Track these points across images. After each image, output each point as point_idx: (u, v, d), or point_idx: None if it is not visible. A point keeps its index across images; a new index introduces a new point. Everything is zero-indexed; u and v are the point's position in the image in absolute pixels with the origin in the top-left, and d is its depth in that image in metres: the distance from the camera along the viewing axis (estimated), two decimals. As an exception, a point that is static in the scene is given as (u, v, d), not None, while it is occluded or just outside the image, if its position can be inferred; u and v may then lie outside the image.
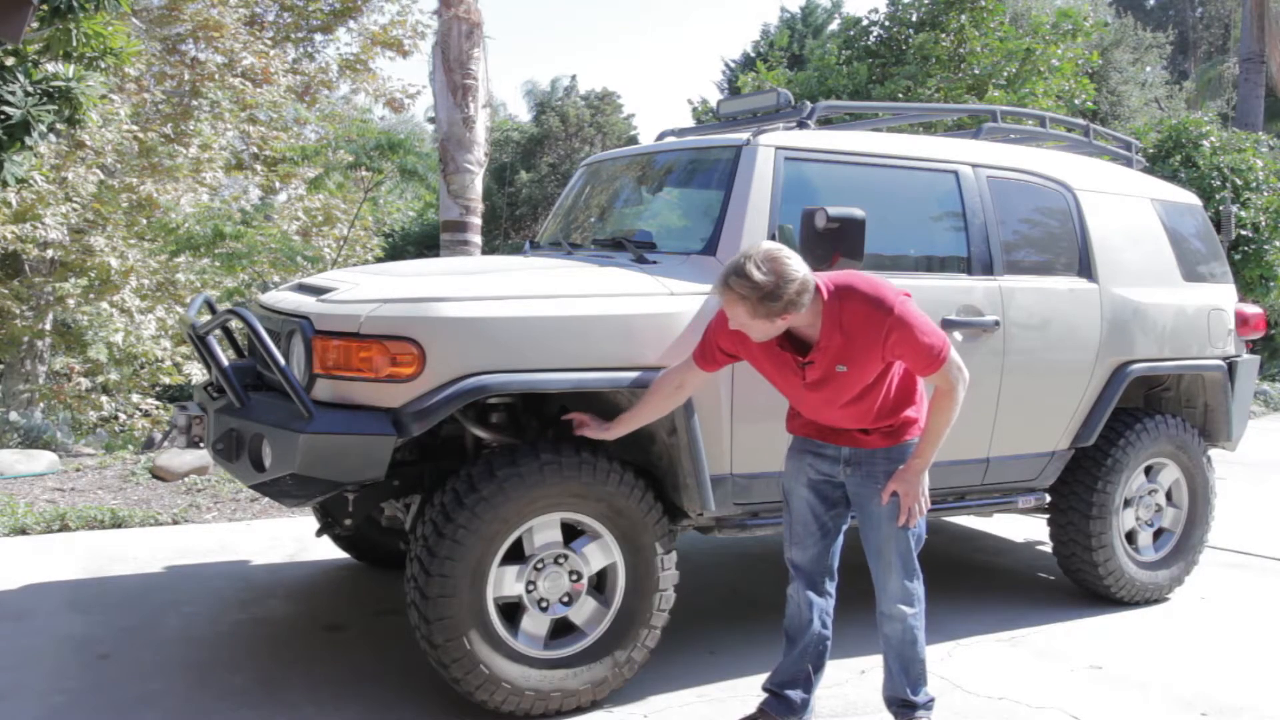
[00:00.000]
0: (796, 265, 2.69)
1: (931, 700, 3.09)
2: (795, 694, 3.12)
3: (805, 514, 3.07)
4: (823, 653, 3.13)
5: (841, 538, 3.13)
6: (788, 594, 3.15)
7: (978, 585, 4.89)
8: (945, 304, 3.88)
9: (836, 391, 2.86)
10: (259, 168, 13.69)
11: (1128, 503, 4.53)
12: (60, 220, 11.12)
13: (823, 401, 2.91)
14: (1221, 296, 4.86)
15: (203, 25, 12.70)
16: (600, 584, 3.39)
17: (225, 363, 3.34)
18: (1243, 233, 11.63)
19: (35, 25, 5.40)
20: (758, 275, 2.63)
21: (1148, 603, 4.61)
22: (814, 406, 2.96)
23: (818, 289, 2.76)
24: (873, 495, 2.96)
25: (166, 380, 12.93)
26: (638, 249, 3.73)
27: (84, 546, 5.10)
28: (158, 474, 6.43)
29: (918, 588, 3.02)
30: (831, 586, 3.13)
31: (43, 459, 6.70)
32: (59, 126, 5.80)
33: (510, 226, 26.34)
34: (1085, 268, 4.34)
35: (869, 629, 3.26)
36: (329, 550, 4.99)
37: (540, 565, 3.25)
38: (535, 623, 3.27)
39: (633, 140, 27.34)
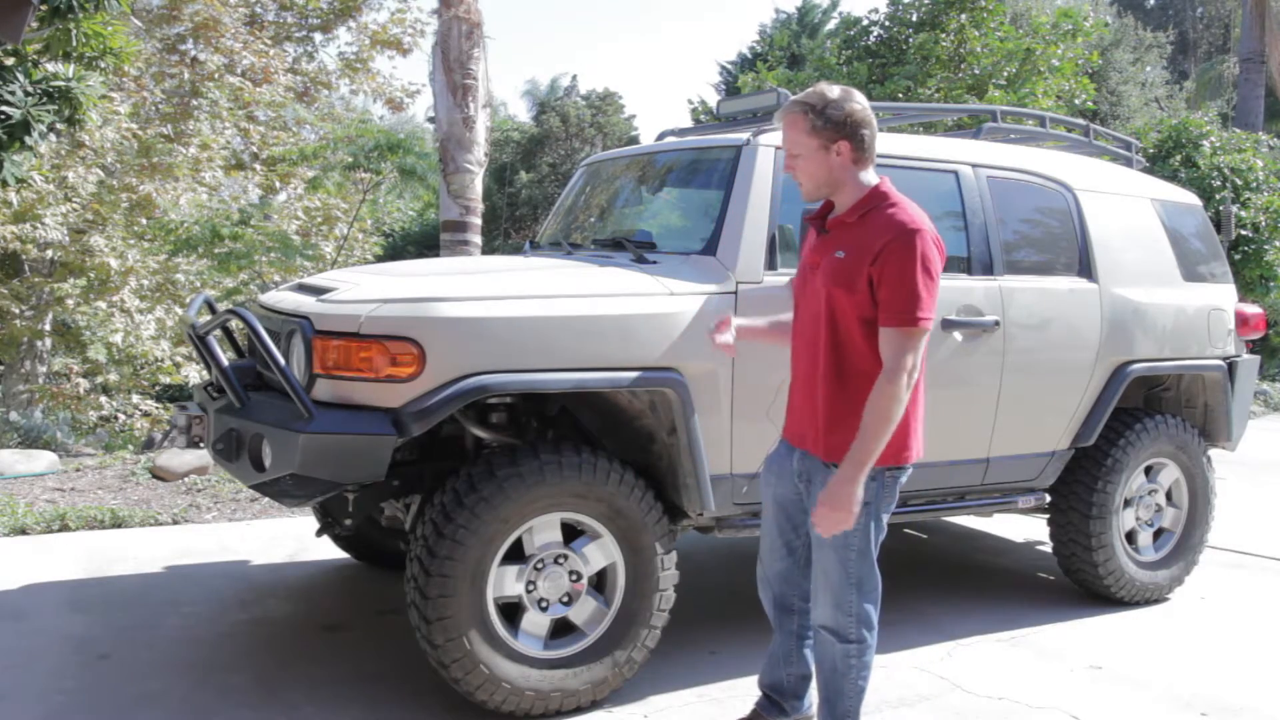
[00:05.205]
0: (864, 107, 2.64)
1: None
2: (788, 702, 3.09)
3: (771, 529, 3.00)
4: (807, 647, 3.04)
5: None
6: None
7: (978, 585, 4.88)
8: (945, 304, 3.87)
9: (826, 280, 2.67)
10: (258, 167, 13.69)
11: (1128, 503, 4.53)
12: (60, 220, 11.12)
13: (812, 293, 2.74)
14: (1221, 296, 4.86)
15: (203, 25, 12.70)
16: (600, 584, 3.39)
17: (225, 363, 3.34)
18: (1243, 233, 11.62)
19: (35, 25, 5.39)
20: (829, 87, 2.65)
21: (1148, 603, 4.62)
22: (805, 304, 2.79)
23: (880, 184, 2.66)
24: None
25: (166, 380, 12.93)
26: (638, 249, 3.73)
27: (84, 546, 5.10)
28: (158, 474, 6.43)
29: (852, 627, 2.72)
30: (804, 603, 2.99)
31: (43, 459, 6.70)
32: (59, 126, 5.80)
33: (510, 226, 26.34)
34: (1085, 268, 4.34)
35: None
36: (329, 550, 4.99)
37: (540, 565, 3.25)
38: (535, 623, 3.27)
39: (633, 141, 27.32)
